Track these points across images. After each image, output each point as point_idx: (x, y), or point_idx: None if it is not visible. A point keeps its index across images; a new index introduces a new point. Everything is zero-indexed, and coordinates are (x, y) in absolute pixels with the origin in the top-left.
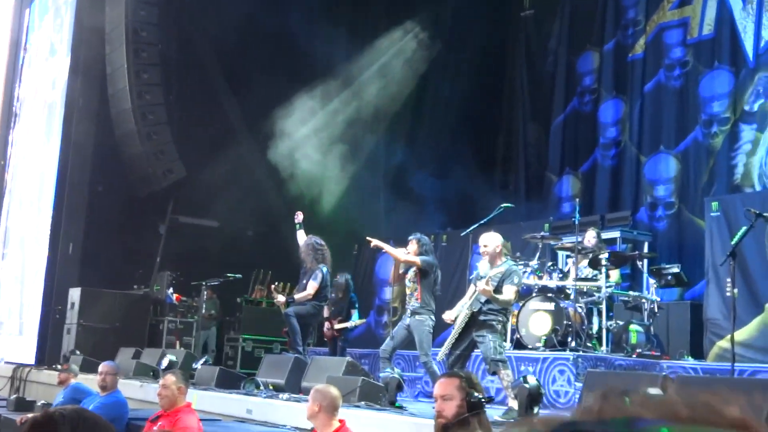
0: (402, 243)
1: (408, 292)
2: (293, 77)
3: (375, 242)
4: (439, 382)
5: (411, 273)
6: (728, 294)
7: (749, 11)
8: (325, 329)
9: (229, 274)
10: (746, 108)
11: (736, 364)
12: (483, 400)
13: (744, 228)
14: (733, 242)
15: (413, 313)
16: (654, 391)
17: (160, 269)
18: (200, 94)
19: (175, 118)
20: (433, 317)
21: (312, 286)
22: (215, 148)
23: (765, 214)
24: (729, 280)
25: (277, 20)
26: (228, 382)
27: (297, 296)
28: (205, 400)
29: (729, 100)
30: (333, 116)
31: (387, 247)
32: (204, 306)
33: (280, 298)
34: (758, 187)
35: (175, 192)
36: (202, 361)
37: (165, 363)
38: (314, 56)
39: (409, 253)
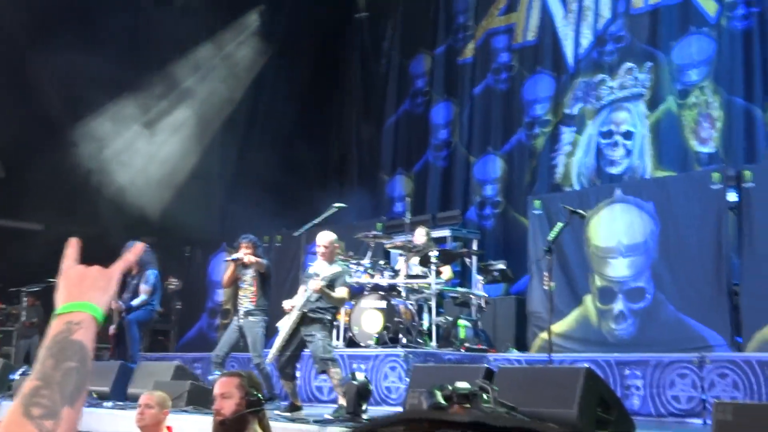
0: (231, 244)
1: (242, 293)
2: (123, 74)
3: (240, 257)
4: (219, 381)
5: (248, 276)
6: (545, 287)
7: (570, 20)
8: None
9: (51, 279)
10: (566, 111)
11: (556, 355)
12: (262, 399)
13: (560, 224)
14: (549, 238)
15: (247, 314)
16: (461, 384)
17: None
18: (17, 90)
19: None
20: (266, 318)
21: (145, 290)
22: (38, 149)
23: (579, 211)
24: (545, 274)
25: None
26: None
27: (134, 302)
28: None
29: (550, 103)
30: (163, 117)
31: (251, 258)
32: (24, 313)
33: (119, 305)
34: (577, 187)
35: None
36: (20, 371)
37: None
38: (143, 52)
39: (245, 255)
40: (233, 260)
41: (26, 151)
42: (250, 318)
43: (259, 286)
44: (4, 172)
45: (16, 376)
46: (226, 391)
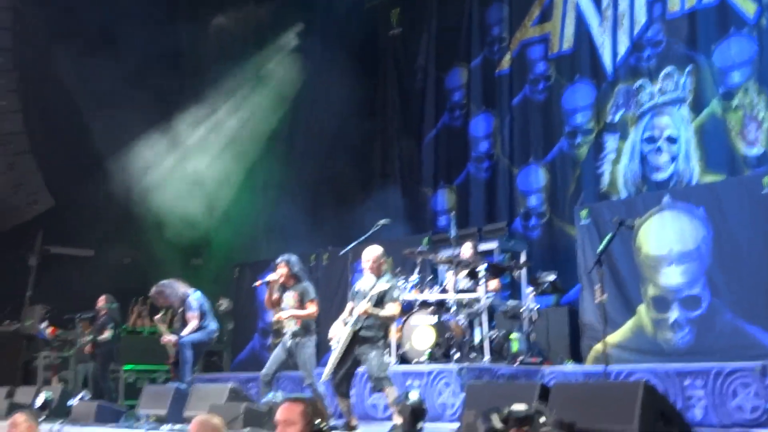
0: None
1: (290, 318)
2: (164, 98)
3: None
4: (282, 407)
5: (290, 297)
6: (597, 300)
7: (605, 27)
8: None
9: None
10: (608, 119)
11: (611, 366)
12: (325, 428)
13: (608, 236)
14: (598, 250)
15: (294, 335)
16: (518, 407)
17: (31, 303)
18: (64, 119)
19: (39, 146)
20: (314, 338)
21: (192, 316)
22: (84, 175)
23: (626, 223)
24: (597, 286)
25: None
26: (107, 417)
27: (185, 332)
28: None
29: (591, 111)
30: (205, 140)
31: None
32: (80, 339)
33: (171, 338)
34: (624, 194)
35: (44, 222)
36: (79, 397)
37: (40, 401)
38: (183, 77)
39: (277, 277)
40: (264, 283)
41: (74, 179)
42: (297, 339)
43: (301, 307)
44: (54, 200)
45: (75, 401)
46: (289, 417)
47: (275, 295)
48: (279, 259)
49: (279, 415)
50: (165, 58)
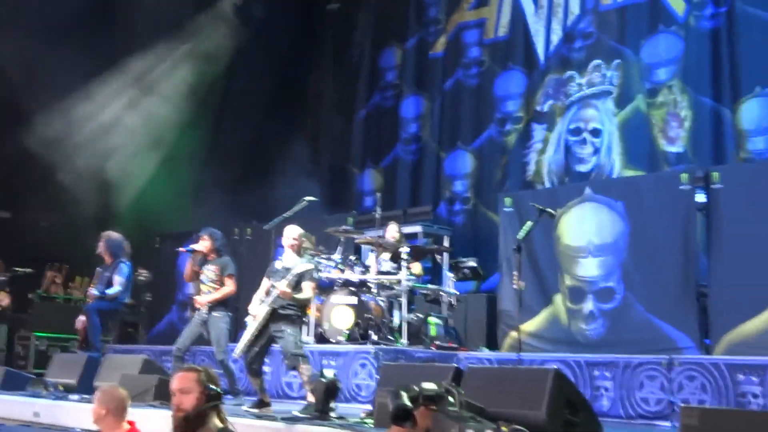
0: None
1: (205, 288)
2: (93, 61)
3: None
4: (177, 376)
5: (210, 271)
6: (515, 287)
7: (540, 16)
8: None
9: (17, 269)
10: (538, 108)
11: (526, 354)
12: (220, 392)
13: (529, 223)
14: (519, 236)
15: (210, 309)
16: (428, 385)
17: None
18: None
19: None
20: (230, 314)
21: (120, 282)
22: (3, 131)
23: (548, 210)
24: (515, 273)
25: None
26: (15, 384)
27: (109, 291)
28: None
29: (522, 100)
30: (134, 104)
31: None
32: None
33: (93, 292)
34: (547, 184)
35: None
36: None
37: None
38: (114, 33)
39: (202, 248)
40: (188, 250)
41: None
42: (214, 313)
43: (221, 283)
44: None
45: None
46: (185, 386)
47: (196, 267)
48: (202, 232)
49: (175, 384)
50: (95, 13)
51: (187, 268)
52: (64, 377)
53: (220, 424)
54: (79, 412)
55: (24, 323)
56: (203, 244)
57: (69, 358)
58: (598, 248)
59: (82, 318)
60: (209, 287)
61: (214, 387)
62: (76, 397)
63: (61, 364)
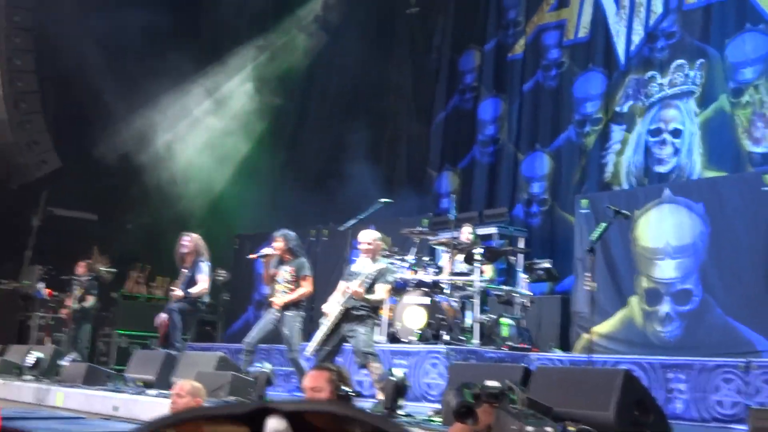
0: None
1: (279, 288)
2: (176, 71)
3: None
4: (310, 374)
5: (285, 271)
6: (587, 288)
7: (622, 16)
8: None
9: (102, 269)
10: (617, 109)
11: (599, 356)
12: (351, 393)
13: (603, 224)
14: (592, 238)
15: (284, 308)
16: (490, 383)
17: (31, 263)
18: (78, 82)
19: (51, 107)
20: (303, 314)
21: (203, 279)
22: (93, 139)
23: (623, 211)
24: (588, 274)
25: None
26: (96, 379)
27: (193, 290)
28: (71, 398)
29: (601, 101)
30: (215, 111)
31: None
32: (76, 301)
33: (178, 293)
34: (625, 186)
35: (50, 183)
36: (70, 358)
37: (31, 360)
38: (199, 46)
39: (275, 251)
40: (260, 257)
41: (83, 142)
42: (287, 312)
43: (296, 284)
44: (60, 162)
45: (65, 362)
46: (317, 384)
47: (272, 270)
48: (276, 233)
49: (307, 382)
50: (181, 25)
51: (264, 272)
52: (143, 373)
53: None
54: (156, 406)
55: (107, 321)
56: (277, 246)
57: (148, 355)
58: (676, 250)
59: (162, 315)
60: (284, 287)
61: (345, 387)
62: (153, 392)
63: (141, 360)
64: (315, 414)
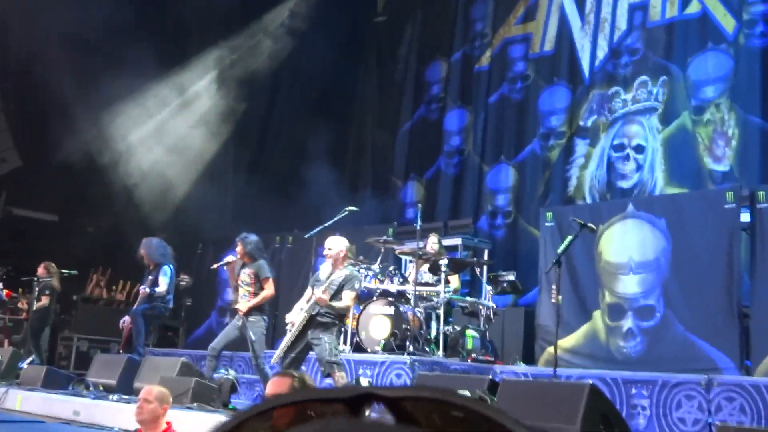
0: None
1: (241, 293)
2: (140, 70)
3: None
4: (272, 381)
5: (245, 275)
6: (553, 301)
7: (587, 31)
8: None
9: (63, 270)
10: (581, 123)
11: (563, 370)
12: None
13: (569, 237)
14: (558, 251)
15: (246, 314)
16: (462, 392)
17: None
18: (40, 81)
19: (12, 106)
20: (266, 318)
21: (164, 281)
22: (55, 139)
23: (589, 225)
24: (554, 287)
25: (131, 8)
26: (56, 383)
27: (158, 290)
28: (30, 401)
29: (565, 115)
30: (179, 112)
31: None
32: (36, 303)
33: (144, 290)
34: (588, 200)
35: (10, 183)
36: (29, 360)
37: None
38: (163, 45)
39: (239, 257)
40: (222, 265)
41: (43, 142)
42: (250, 318)
43: (257, 286)
44: (21, 161)
45: (25, 365)
46: (278, 391)
47: (235, 276)
48: (238, 238)
49: (269, 389)
50: (145, 27)
51: (230, 279)
52: (105, 377)
53: None
54: (117, 412)
55: (67, 325)
56: (238, 251)
57: (109, 359)
58: (639, 265)
59: (126, 319)
60: (245, 290)
61: None
62: (115, 397)
63: (102, 364)
64: (416, 402)
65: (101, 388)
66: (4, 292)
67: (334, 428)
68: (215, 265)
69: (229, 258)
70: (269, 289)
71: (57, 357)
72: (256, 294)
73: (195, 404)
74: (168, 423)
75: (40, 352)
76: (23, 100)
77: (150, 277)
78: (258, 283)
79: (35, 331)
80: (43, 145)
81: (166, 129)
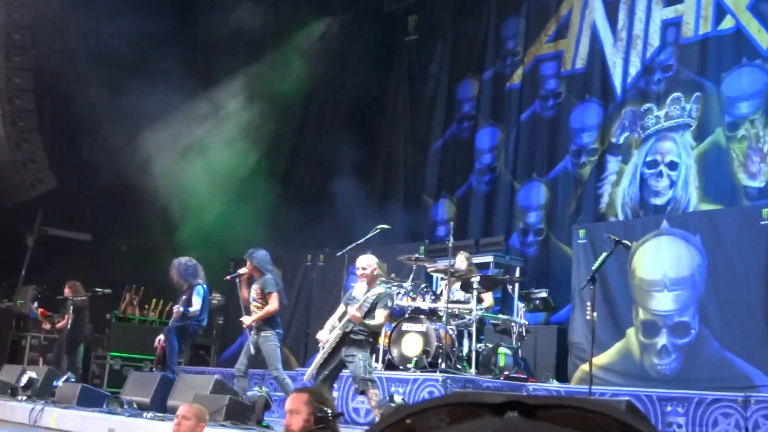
0: (277, 262)
1: (252, 309)
2: (171, 88)
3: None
4: (290, 397)
5: (254, 292)
6: (588, 318)
7: (619, 48)
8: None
9: (97, 289)
10: (613, 140)
11: (597, 387)
12: (330, 415)
13: (604, 254)
14: (593, 267)
15: (258, 330)
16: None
17: (24, 283)
18: (76, 102)
19: (48, 127)
20: (279, 331)
21: (197, 301)
22: (89, 160)
23: (624, 241)
24: (588, 304)
25: (165, 33)
26: (91, 400)
27: (191, 309)
28: (65, 419)
29: (597, 132)
30: (211, 131)
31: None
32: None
33: (178, 309)
34: (621, 217)
35: (45, 203)
36: (63, 379)
37: (24, 380)
38: (196, 67)
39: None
40: (234, 277)
41: (78, 162)
42: (262, 333)
43: (263, 301)
44: (56, 182)
45: (60, 383)
46: (294, 407)
47: (245, 291)
48: (246, 255)
49: (287, 405)
50: (180, 48)
51: (241, 294)
52: (139, 395)
53: None
54: (152, 429)
55: (101, 343)
56: (247, 267)
57: (143, 377)
58: (673, 282)
59: (161, 337)
60: (254, 306)
61: (324, 408)
62: (149, 414)
63: (136, 382)
64: (566, 411)
65: (135, 406)
66: (39, 311)
67: (493, 427)
68: (228, 277)
69: (242, 270)
70: (272, 304)
71: (90, 375)
72: (263, 309)
73: (228, 422)
74: None
75: (74, 370)
76: (58, 120)
77: (183, 297)
78: (264, 298)
79: (67, 350)
80: (77, 165)
81: (199, 150)
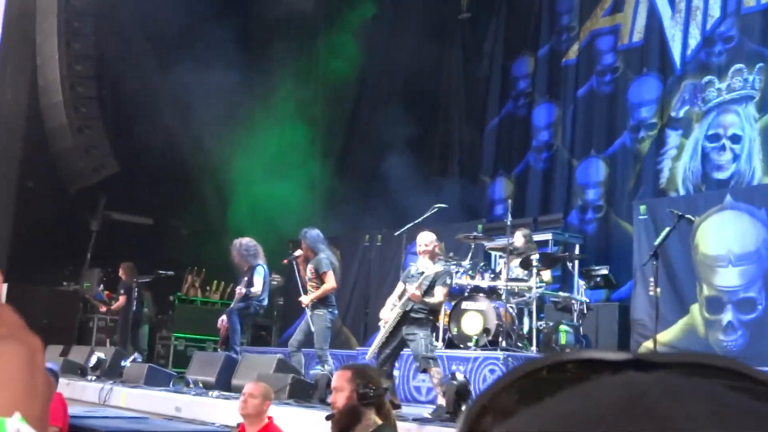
0: (335, 243)
1: (309, 288)
2: (232, 75)
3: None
4: (335, 374)
5: (309, 272)
6: (651, 294)
7: (677, 20)
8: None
9: (161, 271)
10: (672, 114)
11: None
12: (373, 392)
13: (666, 229)
14: (656, 242)
15: (312, 308)
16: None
17: (90, 266)
18: (136, 88)
19: (109, 113)
20: (332, 311)
21: (258, 281)
22: (150, 145)
23: (687, 216)
24: (652, 279)
25: (218, 15)
26: (157, 380)
27: (253, 290)
28: (133, 398)
29: (656, 106)
30: (268, 113)
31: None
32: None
33: (241, 289)
34: (682, 192)
35: (108, 188)
36: (131, 359)
37: (93, 361)
38: (247, 47)
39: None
40: (291, 260)
41: (140, 147)
42: (316, 311)
43: (318, 281)
44: (119, 167)
45: (127, 363)
46: (338, 384)
47: (304, 271)
48: (299, 235)
49: (333, 381)
50: (233, 33)
51: (299, 274)
52: (204, 375)
53: (379, 421)
54: (217, 408)
55: (165, 324)
56: (302, 247)
57: (208, 357)
58: (738, 257)
59: (223, 318)
60: (310, 286)
61: (367, 385)
62: (214, 393)
63: (201, 362)
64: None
65: (201, 385)
66: (105, 293)
67: (614, 385)
68: (285, 260)
69: (297, 252)
70: (329, 282)
71: (156, 355)
72: (319, 288)
73: (292, 400)
74: (269, 418)
75: (139, 351)
76: (117, 104)
77: (245, 278)
78: (318, 277)
79: (131, 330)
80: (136, 149)
81: (255, 133)
